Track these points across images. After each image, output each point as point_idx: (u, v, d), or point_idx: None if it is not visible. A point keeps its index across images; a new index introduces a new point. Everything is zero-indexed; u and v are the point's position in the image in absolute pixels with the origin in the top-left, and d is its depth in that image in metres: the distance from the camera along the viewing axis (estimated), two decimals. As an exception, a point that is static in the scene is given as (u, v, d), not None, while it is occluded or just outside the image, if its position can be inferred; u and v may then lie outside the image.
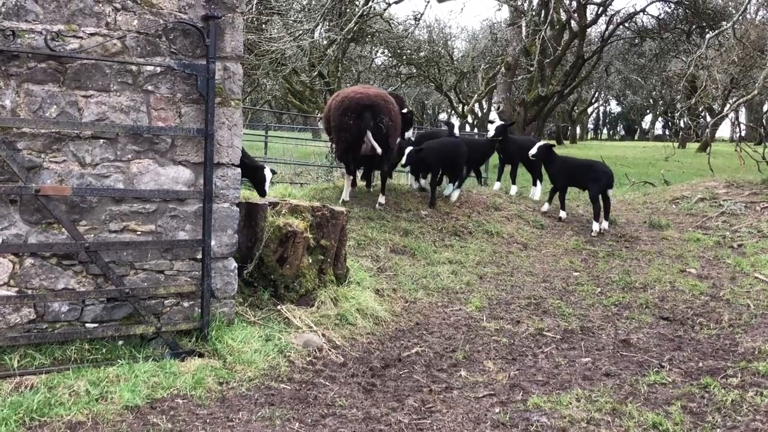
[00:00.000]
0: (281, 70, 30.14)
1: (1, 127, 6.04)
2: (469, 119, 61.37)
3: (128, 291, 6.53)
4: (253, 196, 9.65)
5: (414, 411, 5.93)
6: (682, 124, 39.45)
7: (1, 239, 6.14)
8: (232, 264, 7.22)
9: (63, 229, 6.32)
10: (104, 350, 6.43)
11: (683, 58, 31.92)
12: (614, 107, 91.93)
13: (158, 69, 6.65)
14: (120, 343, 6.58)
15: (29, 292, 6.27)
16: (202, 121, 6.82)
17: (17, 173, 6.07)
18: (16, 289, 6.23)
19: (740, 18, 26.02)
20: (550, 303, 9.16)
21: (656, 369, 6.95)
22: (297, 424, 5.51)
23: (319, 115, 39.36)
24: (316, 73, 33.70)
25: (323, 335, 7.39)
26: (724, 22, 26.60)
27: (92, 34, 6.40)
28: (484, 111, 60.44)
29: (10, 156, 6.05)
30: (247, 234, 7.92)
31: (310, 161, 23.87)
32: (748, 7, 28.45)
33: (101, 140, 6.48)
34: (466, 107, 56.59)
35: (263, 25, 27.14)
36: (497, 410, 5.92)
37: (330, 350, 7.28)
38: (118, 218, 6.61)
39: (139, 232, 6.70)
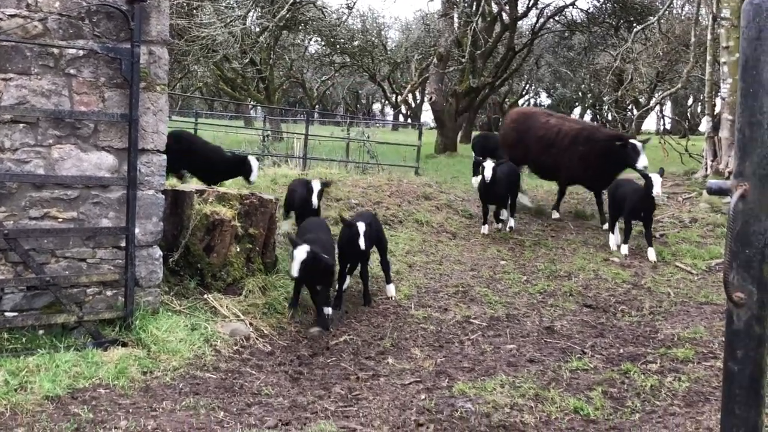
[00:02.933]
0: (212, 56, 29.72)
1: None
2: (403, 109, 61.69)
3: (49, 279, 6.39)
4: (179, 185, 9.52)
5: (341, 398, 5.95)
6: (609, 117, 40.34)
7: None
8: (157, 252, 7.12)
9: (-20, 216, 6.14)
10: (24, 339, 6.28)
11: (611, 52, 32.55)
12: (544, 99, 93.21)
13: (81, 52, 6.50)
14: (41, 332, 6.43)
15: (-56, 280, 6.07)
16: (126, 106, 6.69)
17: (-69, 157, 5.87)
18: (-70, 277, 6.03)
19: (666, 13, 26.70)
20: (477, 291, 9.28)
21: (579, 355, 7.11)
22: (222, 413, 5.47)
23: (252, 103, 39.01)
24: (247, 60, 33.31)
25: (251, 324, 7.35)
26: (651, 17, 27.23)
27: (12, 16, 6.22)
28: (417, 101, 60.81)
29: (-77, 139, 5.85)
30: (173, 222, 7.81)
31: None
32: (674, 2, 29.22)
33: (21, 124, 6.31)
34: (399, 97, 56.83)
35: (194, 11, 26.69)
36: (423, 397, 5.98)
37: (257, 339, 7.25)
38: (38, 205, 6.44)
39: (60, 219, 6.55)
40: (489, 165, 11.51)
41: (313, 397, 5.93)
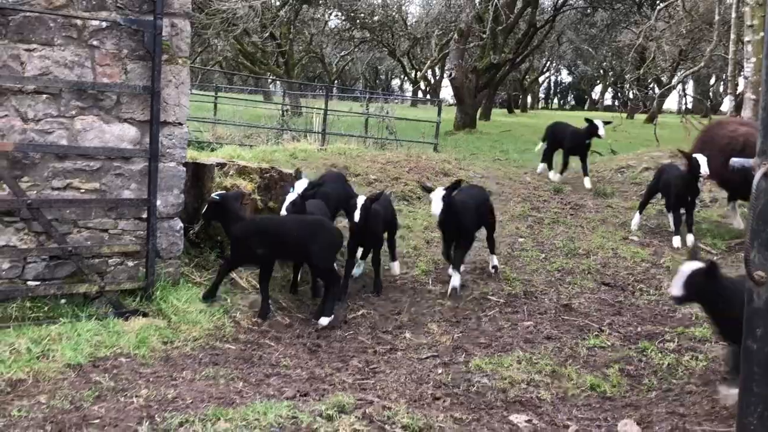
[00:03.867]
0: (232, 30, 29.73)
1: (-61, 79, 5.88)
2: (422, 85, 61.42)
3: (71, 249, 6.46)
4: (200, 157, 9.56)
5: (358, 371, 6.00)
6: (630, 95, 39.98)
7: (-61, 194, 6.00)
8: (178, 224, 7.17)
9: (4, 185, 6.20)
10: (46, 308, 6.35)
11: (634, 30, 32.28)
12: (565, 77, 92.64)
13: (104, 24, 6.52)
14: (63, 301, 6.50)
15: (-32, 248, 6.15)
16: (148, 78, 6.71)
17: (-44, 127, 5.93)
18: (-45, 245, 6.10)
19: (690, -9, 26.37)
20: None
21: (596, 333, 7.12)
22: (241, 383, 5.53)
23: (271, 77, 38.97)
24: (267, 34, 33.29)
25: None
26: (674, -5, 26.90)
27: (35, -14, 6.23)
28: (437, 78, 60.54)
29: (-51, 109, 5.90)
30: (194, 194, 7.86)
31: (261, 123, 23.66)
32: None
33: (44, 95, 6.35)
34: (418, 73, 56.59)
35: (214, -16, 26.68)
36: (440, 371, 6.02)
37: (276, 312, 7.30)
38: (61, 175, 6.50)
39: (82, 190, 6.61)
40: (438, 194, 7.95)
41: (330, 370, 5.98)
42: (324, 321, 7.07)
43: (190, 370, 5.70)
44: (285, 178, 8.53)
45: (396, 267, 8.92)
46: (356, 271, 8.62)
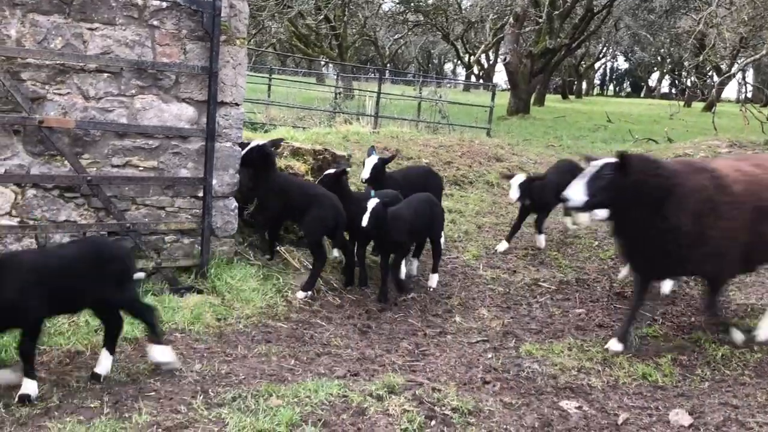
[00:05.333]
0: (287, 12, 29.86)
1: (6, 57, 6.01)
2: (475, 70, 60.99)
3: (129, 226, 6.59)
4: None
5: (408, 353, 6.03)
6: (688, 83, 39.19)
7: (4, 169, 6.16)
8: (233, 203, 7.26)
9: (66, 162, 6.34)
10: (104, 283, 6.49)
11: (693, 16, 31.51)
12: (621, 63, 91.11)
13: (164, 4, 6.61)
14: (120, 276, 6.63)
15: (31, 222, 6.31)
16: (206, 58, 6.79)
17: (21, 104, 6.07)
18: (18, 219, 6.26)
19: (753, -24, 25.68)
20: (547, 254, 9.22)
21: (649, 322, 7.02)
22: (293, 361, 5.61)
23: (324, 59, 39.05)
24: (322, 17, 33.35)
25: (321, 277, 7.44)
26: (737, -20, 26.23)
27: (98, -34, 6.34)
28: (490, 62, 60.02)
29: (14, 86, 6.04)
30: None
31: (313, 106, 23.76)
32: (762, -35, 28.04)
33: (105, 74, 6.47)
34: (472, 57, 56.16)
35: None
36: (490, 356, 6.02)
37: (327, 292, 7.36)
38: (120, 153, 6.62)
39: (141, 168, 6.73)
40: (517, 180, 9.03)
41: (381, 351, 6.02)
42: (300, 294, 7.12)
43: (243, 347, 5.80)
44: (338, 160, 8.58)
45: (434, 280, 7.92)
46: (407, 269, 7.93)
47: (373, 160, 8.00)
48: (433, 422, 4.48)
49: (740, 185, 6.02)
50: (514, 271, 8.48)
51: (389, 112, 22.25)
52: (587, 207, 5.86)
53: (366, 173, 8.01)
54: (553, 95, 57.67)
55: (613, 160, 5.73)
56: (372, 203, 6.94)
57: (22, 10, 6.07)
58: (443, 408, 4.63)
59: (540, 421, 4.77)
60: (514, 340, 6.46)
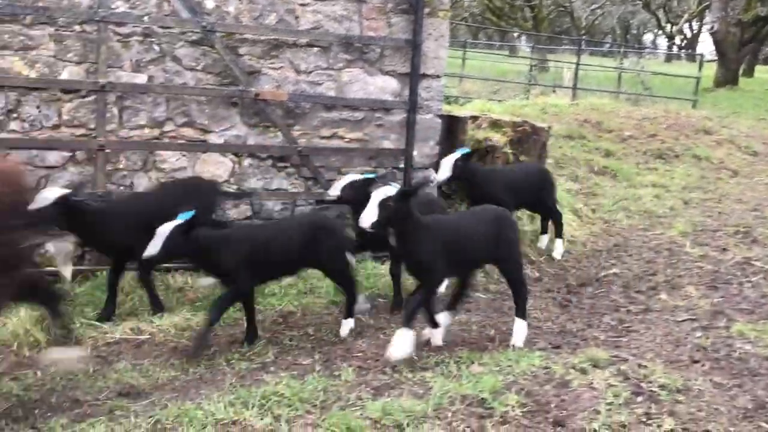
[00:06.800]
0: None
1: (226, 33, 6.40)
2: (677, 40, 57.91)
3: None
4: (453, 110, 9.69)
5: (610, 329, 5.89)
6: None
7: (223, 139, 6.58)
8: (432, 174, 7.36)
9: (278, 133, 6.68)
10: (313, 250, 6.80)
11: None
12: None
13: (371, -22, 6.78)
14: (327, 243, 6.92)
15: (246, 190, 6.71)
16: (410, 31, 6.91)
17: (239, 77, 6.45)
18: (236, 186, 6.69)
19: None
20: (759, 232, 8.64)
21: None
22: (492, 330, 5.64)
23: (517, 32, 38.56)
24: (518, -12, 32.84)
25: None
26: None
27: (310, -56, 6.60)
28: (693, 32, 56.78)
29: (233, 60, 6.42)
30: (446, 146, 7.99)
31: (507, 78, 23.53)
32: None
33: (315, 48, 6.74)
34: (674, 27, 53.37)
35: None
36: (698, 335, 5.75)
37: (525, 265, 7.31)
38: (328, 125, 6.89)
39: (347, 139, 6.97)
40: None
41: (582, 325, 5.93)
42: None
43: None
44: (538, 132, 8.45)
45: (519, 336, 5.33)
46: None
47: (453, 156, 6.66)
48: (640, 398, 4.34)
49: None
50: (724, 249, 8.03)
51: (587, 83, 21.63)
52: None
53: (445, 172, 6.65)
54: (763, 66, 53.75)
55: None
56: (378, 195, 4.65)
57: (239, -11, 6.44)
58: (650, 384, 4.48)
59: (754, 403, 4.51)
60: (724, 320, 6.13)
